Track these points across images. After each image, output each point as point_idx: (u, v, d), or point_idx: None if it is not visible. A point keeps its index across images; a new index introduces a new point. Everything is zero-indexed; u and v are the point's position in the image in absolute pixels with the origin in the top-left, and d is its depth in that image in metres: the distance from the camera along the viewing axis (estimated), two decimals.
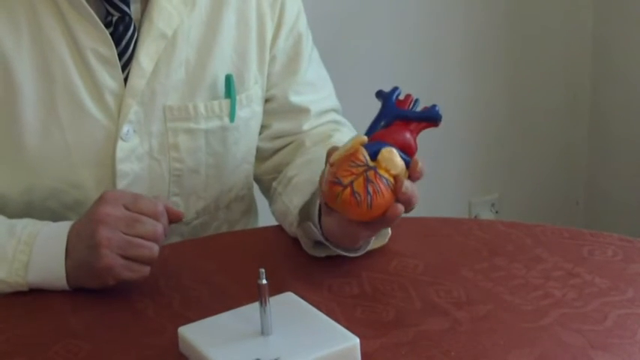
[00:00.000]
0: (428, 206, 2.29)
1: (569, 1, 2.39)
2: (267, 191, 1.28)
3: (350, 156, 0.94)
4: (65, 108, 1.10)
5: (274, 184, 1.22)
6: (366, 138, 0.94)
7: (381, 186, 0.93)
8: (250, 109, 1.21)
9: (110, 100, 1.11)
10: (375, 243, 1.07)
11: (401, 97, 0.98)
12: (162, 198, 1.08)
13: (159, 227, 1.00)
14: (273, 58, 1.22)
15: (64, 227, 1.03)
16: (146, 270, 1.01)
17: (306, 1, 1.28)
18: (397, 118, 0.97)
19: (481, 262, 1.06)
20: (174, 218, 1.03)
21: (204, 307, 0.97)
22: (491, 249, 1.09)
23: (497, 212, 2.47)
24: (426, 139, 2.47)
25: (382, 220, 0.96)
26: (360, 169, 0.93)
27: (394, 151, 0.94)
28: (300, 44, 1.24)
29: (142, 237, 0.99)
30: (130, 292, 1.02)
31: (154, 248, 1.00)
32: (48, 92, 1.09)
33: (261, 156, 1.27)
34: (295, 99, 1.24)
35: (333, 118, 1.28)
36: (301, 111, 1.25)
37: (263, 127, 1.25)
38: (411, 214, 1.17)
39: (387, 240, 1.09)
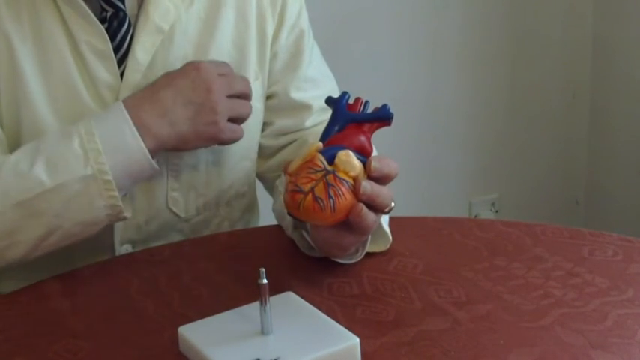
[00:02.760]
0: (428, 206, 2.31)
1: (570, 0, 2.39)
2: (270, 189, 1.28)
3: (307, 163, 0.94)
4: (63, 99, 1.11)
5: (277, 182, 1.22)
6: (321, 144, 0.95)
7: (342, 188, 0.93)
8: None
9: (106, 93, 1.12)
10: (375, 247, 1.07)
11: (350, 101, 0.98)
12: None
13: (247, 83, 1.13)
14: (274, 55, 1.23)
15: (116, 104, 1.07)
16: (241, 131, 1.12)
17: (305, 1, 1.28)
18: (350, 121, 0.97)
19: (481, 262, 1.06)
20: None
21: (204, 306, 0.97)
22: (491, 249, 1.09)
23: (497, 212, 2.47)
24: (426, 139, 2.49)
25: (354, 223, 0.95)
26: (319, 175, 0.93)
27: (350, 153, 0.94)
28: (301, 41, 1.25)
29: (239, 95, 1.11)
30: (130, 292, 1.02)
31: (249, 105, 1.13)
32: (48, 84, 1.10)
33: (265, 153, 1.27)
34: (296, 95, 1.24)
35: None
36: (303, 107, 1.25)
37: (265, 125, 1.26)
38: (411, 214, 1.18)
39: (388, 246, 1.09)
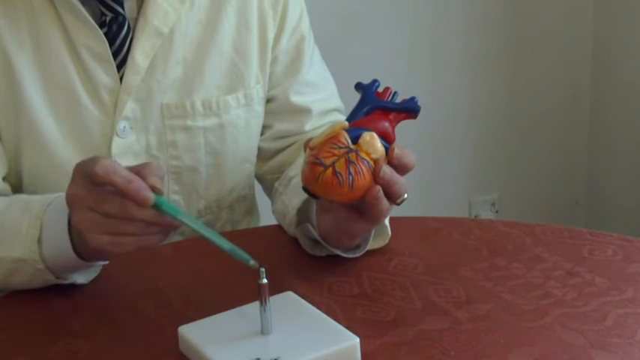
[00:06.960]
0: (428, 206, 2.31)
1: (570, 0, 2.39)
2: (269, 191, 1.28)
3: (332, 139, 0.94)
4: (63, 103, 1.11)
5: (276, 184, 1.22)
6: (347, 123, 0.95)
7: (363, 167, 0.93)
8: (250, 108, 1.21)
9: (105, 96, 1.12)
10: (375, 243, 1.08)
11: (380, 90, 0.99)
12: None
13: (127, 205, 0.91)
14: (275, 59, 1.23)
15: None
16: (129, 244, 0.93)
17: (305, 2, 1.28)
18: (377, 108, 0.97)
19: (481, 262, 1.06)
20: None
21: (204, 306, 0.97)
22: (491, 249, 1.09)
23: (497, 212, 2.47)
24: (426, 139, 2.49)
25: (368, 206, 0.95)
26: (342, 151, 0.93)
27: (375, 135, 0.95)
28: (302, 45, 1.25)
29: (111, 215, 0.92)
30: (129, 292, 1.02)
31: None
32: (47, 88, 1.10)
33: (264, 156, 1.27)
34: (296, 99, 1.24)
35: (336, 119, 1.28)
36: (303, 111, 1.25)
37: (265, 128, 1.26)
38: (411, 214, 1.18)
39: (387, 240, 1.09)
